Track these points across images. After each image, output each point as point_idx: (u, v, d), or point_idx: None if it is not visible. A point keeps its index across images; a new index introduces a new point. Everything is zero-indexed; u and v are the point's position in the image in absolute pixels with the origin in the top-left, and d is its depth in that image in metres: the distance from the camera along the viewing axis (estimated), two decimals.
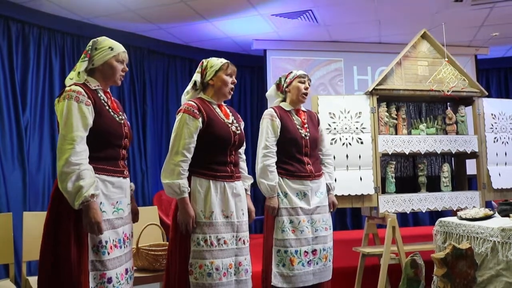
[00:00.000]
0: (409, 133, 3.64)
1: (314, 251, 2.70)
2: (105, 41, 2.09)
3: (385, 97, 3.61)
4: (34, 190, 4.44)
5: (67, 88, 1.96)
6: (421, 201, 3.51)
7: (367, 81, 6.20)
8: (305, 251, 2.67)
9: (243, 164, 2.52)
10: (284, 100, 2.90)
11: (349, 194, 3.35)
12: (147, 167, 5.55)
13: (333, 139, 3.41)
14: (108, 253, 1.93)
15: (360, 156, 3.43)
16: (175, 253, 2.24)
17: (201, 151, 2.27)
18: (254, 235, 4.98)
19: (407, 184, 3.75)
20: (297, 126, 2.79)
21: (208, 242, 2.20)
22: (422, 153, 3.55)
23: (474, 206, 3.53)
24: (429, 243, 3.29)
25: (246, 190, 2.47)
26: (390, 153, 3.49)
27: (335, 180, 3.07)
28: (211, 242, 2.21)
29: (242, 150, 2.51)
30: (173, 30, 5.46)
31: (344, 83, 6.21)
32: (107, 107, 2.04)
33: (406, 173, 3.84)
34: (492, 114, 3.78)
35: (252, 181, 2.55)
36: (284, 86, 2.87)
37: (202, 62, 2.41)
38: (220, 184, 2.28)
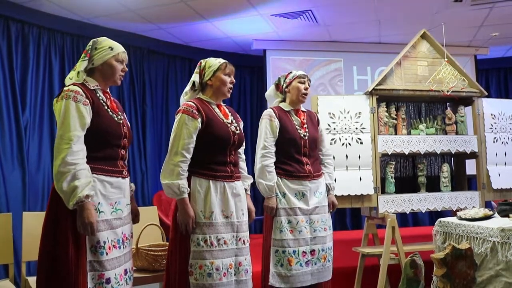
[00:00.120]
0: (409, 133, 3.63)
1: (312, 252, 2.70)
2: (105, 41, 2.10)
3: (384, 97, 3.61)
4: (34, 190, 4.44)
5: (65, 88, 1.96)
6: (420, 201, 3.51)
7: (367, 81, 6.20)
8: (303, 251, 2.67)
9: (242, 164, 2.52)
10: (283, 100, 2.89)
11: (348, 194, 3.35)
12: (146, 167, 5.55)
13: (332, 139, 3.41)
14: (106, 254, 1.93)
15: (359, 156, 3.43)
16: (175, 254, 2.24)
17: (200, 151, 2.27)
18: (254, 235, 4.98)
19: (406, 184, 3.76)
20: (296, 127, 2.78)
21: (208, 242, 2.20)
22: (422, 153, 3.55)
23: (473, 206, 3.53)
24: (428, 243, 3.29)
25: (246, 190, 2.47)
26: (389, 153, 3.49)
27: (335, 180, 3.07)
28: (211, 242, 2.20)
29: (241, 150, 2.50)
30: (173, 30, 5.45)
31: (343, 83, 6.21)
32: (105, 107, 2.04)
33: (406, 173, 3.84)
34: (491, 114, 3.79)
35: (252, 181, 2.55)
36: (284, 87, 2.87)
37: (200, 63, 2.41)
38: (220, 184, 2.28)
